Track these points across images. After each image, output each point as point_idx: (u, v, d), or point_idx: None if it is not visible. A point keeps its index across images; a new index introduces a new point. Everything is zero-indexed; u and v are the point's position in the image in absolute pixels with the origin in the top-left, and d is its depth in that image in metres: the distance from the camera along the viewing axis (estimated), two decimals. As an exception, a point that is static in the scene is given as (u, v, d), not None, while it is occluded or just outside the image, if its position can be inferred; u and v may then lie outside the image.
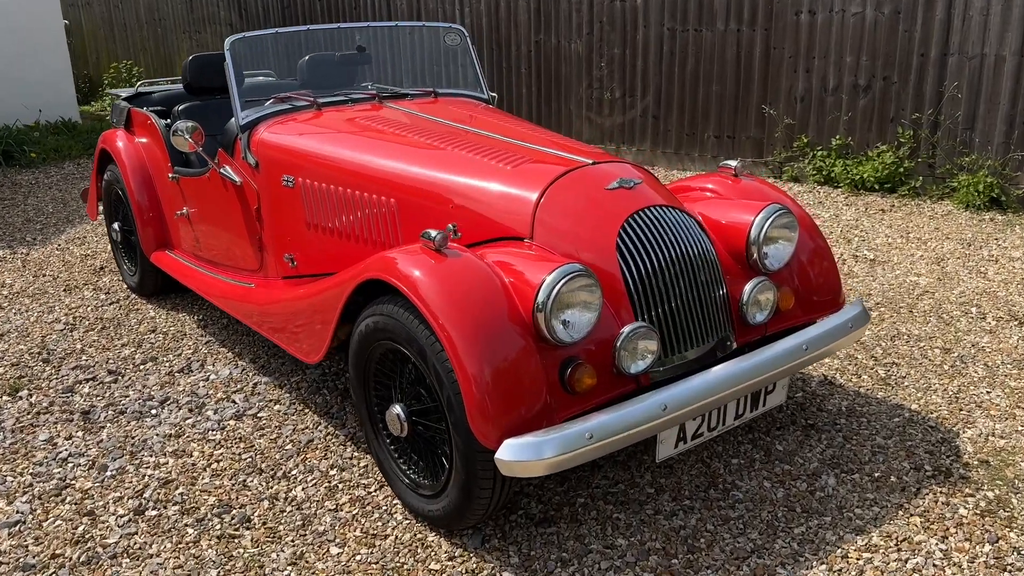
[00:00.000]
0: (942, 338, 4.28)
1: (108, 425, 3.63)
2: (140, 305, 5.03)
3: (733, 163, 3.57)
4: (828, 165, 7.30)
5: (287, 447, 3.41)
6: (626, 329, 2.69)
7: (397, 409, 2.85)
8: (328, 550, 2.79)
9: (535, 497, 3.04)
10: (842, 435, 3.42)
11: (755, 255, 3.11)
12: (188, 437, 3.51)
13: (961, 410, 3.58)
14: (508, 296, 2.62)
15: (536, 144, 3.36)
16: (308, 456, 3.35)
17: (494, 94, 4.63)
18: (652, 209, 2.96)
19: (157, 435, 3.52)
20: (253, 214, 3.90)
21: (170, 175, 4.45)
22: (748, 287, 3.03)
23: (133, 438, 3.51)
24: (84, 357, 4.31)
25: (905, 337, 4.29)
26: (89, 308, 4.98)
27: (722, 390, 2.76)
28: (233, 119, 3.94)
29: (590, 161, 3.12)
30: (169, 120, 4.65)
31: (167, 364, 4.21)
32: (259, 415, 3.67)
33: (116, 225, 5.16)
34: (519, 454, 2.43)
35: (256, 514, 2.98)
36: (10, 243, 6.40)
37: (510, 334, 2.55)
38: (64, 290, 5.29)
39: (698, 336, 2.92)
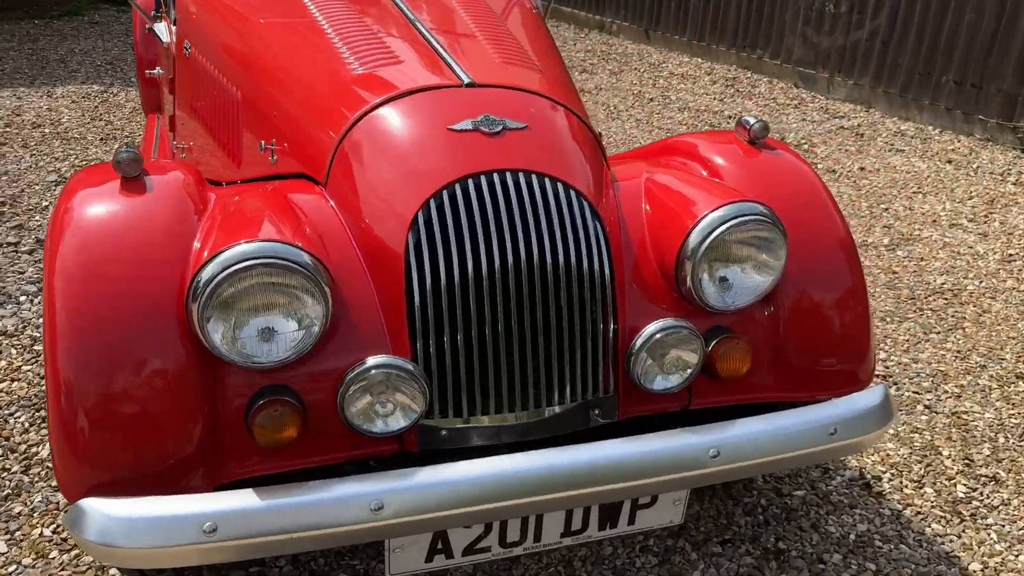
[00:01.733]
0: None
1: (-32, 303, 3.15)
2: (148, 169, 4.55)
3: (752, 120, 2.22)
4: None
5: None
6: (368, 362, 1.63)
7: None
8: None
9: None
10: (808, 588, 2.14)
11: (688, 279, 1.86)
12: (18, 340, 2.93)
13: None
14: (180, 274, 1.66)
15: (439, 38, 2.24)
16: None
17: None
18: (510, 175, 1.80)
19: (-4, 328, 2.98)
20: (168, 84, 3.14)
21: (147, 26, 3.79)
22: (651, 328, 1.81)
23: (-30, 326, 3.01)
24: (37, 217, 3.88)
25: (1044, 439, 2.73)
26: (95, 163, 4.57)
27: (503, 495, 1.65)
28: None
29: (465, 81, 1.99)
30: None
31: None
32: None
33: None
34: (85, 526, 1.53)
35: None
36: (104, 76, 6.19)
37: (153, 331, 1.61)
38: (101, 139, 4.94)
39: (537, 392, 1.79)
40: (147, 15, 3.26)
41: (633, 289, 1.91)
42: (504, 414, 1.77)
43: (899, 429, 2.75)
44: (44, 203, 4.01)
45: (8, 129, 4.94)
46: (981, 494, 2.48)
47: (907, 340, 3.29)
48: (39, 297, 3.19)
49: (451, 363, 1.72)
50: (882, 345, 3.24)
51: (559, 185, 1.83)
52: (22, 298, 3.18)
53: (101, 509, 1.53)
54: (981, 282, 3.81)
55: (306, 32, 2.35)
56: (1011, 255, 4.07)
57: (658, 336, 1.80)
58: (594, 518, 1.84)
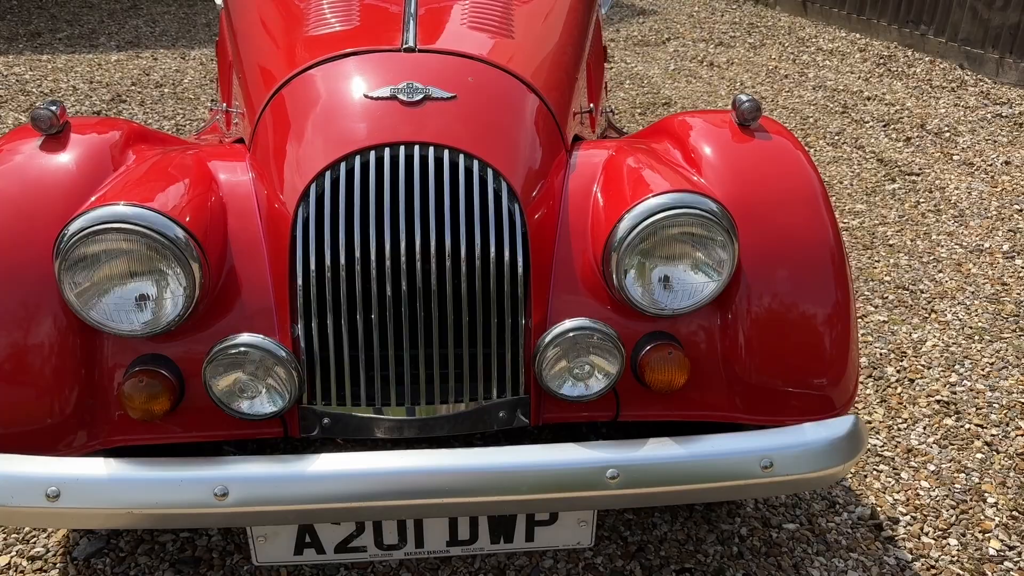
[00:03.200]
0: None
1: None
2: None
3: (744, 98, 1.93)
4: None
5: None
6: (238, 339, 1.55)
7: None
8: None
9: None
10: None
11: (613, 275, 1.64)
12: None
13: None
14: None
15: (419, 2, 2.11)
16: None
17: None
18: (419, 149, 1.65)
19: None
20: (228, 47, 3.18)
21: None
22: (562, 327, 1.62)
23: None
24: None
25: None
26: (199, 123, 4.75)
27: (367, 496, 1.53)
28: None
29: (406, 45, 1.85)
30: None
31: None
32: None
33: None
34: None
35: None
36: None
37: (35, 288, 1.60)
38: (212, 100, 5.14)
39: (439, 388, 1.64)
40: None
41: (562, 284, 1.72)
42: (395, 407, 1.64)
43: (942, 466, 2.36)
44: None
45: (133, 87, 5.24)
46: (1019, 555, 2.08)
47: (991, 363, 2.84)
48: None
49: (334, 349, 1.61)
50: (957, 367, 2.81)
51: (475, 163, 1.66)
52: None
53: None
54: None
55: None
56: None
57: (571, 335, 1.60)
58: (484, 530, 1.68)
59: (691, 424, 1.87)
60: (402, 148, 1.64)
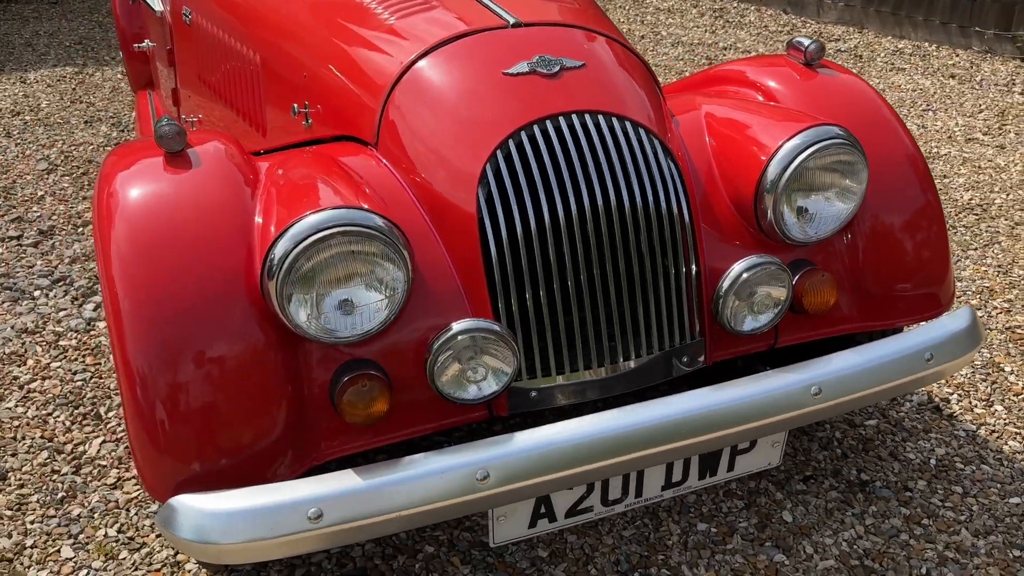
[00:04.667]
0: None
1: (-19, 302, 3.01)
2: (141, 149, 4.36)
3: (807, 41, 2.11)
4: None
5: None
6: (454, 327, 1.54)
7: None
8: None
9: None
10: (913, 508, 2.09)
11: (769, 213, 1.77)
12: (40, 336, 2.80)
13: None
14: (245, 250, 1.55)
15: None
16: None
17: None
18: (576, 117, 1.69)
19: (14, 327, 2.85)
20: (167, 56, 2.97)
21: (130, -3, 3.61)
22: (736, 268, 1.73)
23: (-12, 326, 2.87)
24: (35, 208, 3.72)
25: (1103, 346, 2.69)
26: (91, 148, 4.38)
27: (607, 454, 1.57)
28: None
29: (511, 20, 1.86)
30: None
31: (106, 230, 3.51)
32: (138, 320, 2.88)
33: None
34: (179, 524, 1.44)
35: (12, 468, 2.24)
36: (75, 57, 5.94)
37: (224, 313, 1.51)
38: (86, 121, 4.74)
39: (622, 345, 1.70)
40: (135, -16, 3.06)
41: (707, 228, 1.82)
42: (589, 369, 1.69)
43: (957, 349, 2.69)
44: (40, 192, 3.84)
45: (-13, 120, 4.73)
46: (1051, 407, 2.44)
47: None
48: (53, 291, 3.06)
49: (535, 320, 1.63)
50: (923, 266, 3.18)
51: (627, 124, 1.73)
52: (36, 292, 3.05)
53: (195, 506, 1.44)
54: (1008, 195, 3.75)
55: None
56: (1033, 165, 4.02)
57: (745, 276, 1.72)
58: (694, 468, 1.78)
59: (806, 346, 2.04)
60: (561, 119, 1.68)
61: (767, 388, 1.69)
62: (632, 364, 1.73)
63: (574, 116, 1.69)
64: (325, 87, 1.99)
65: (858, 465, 2.24)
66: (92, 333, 2.82)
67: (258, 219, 1.57)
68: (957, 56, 5.73)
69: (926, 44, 6.04)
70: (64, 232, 3.50)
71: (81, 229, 3.52)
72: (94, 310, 2.94)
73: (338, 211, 1.46)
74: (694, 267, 1.75)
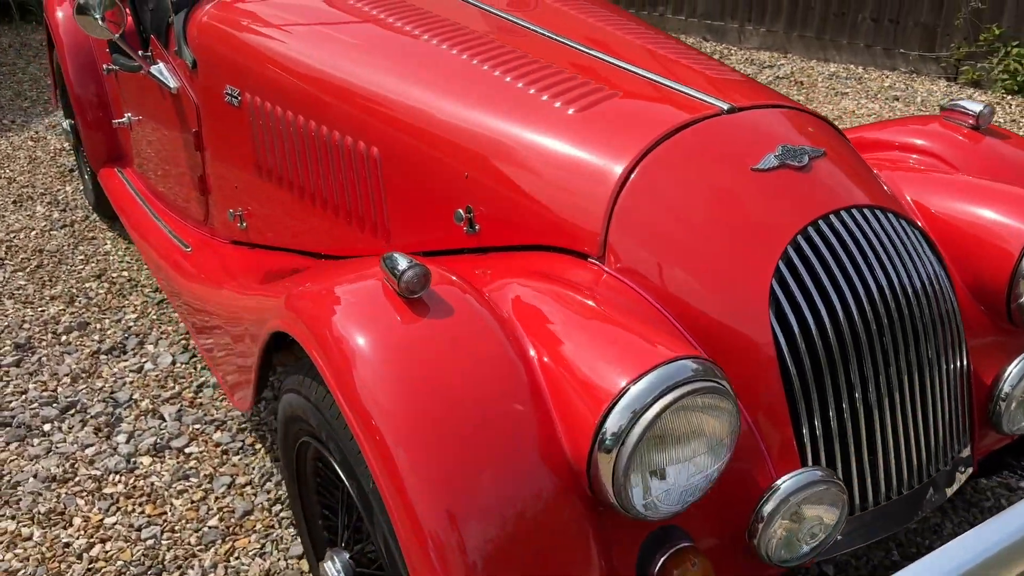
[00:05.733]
0: None
1: (-22, 446, 2.50)
2: (96, 232, 3.84)
3: (976, 107, 2.03)
4: (1027, 67, 5.49)
5: (212, 521, 2.22)
6: (783, 485, 1.32)
7: (336, 564, 1.59)
8: None
9: None
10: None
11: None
12: (77, 484, 2.34)
13: None
14: (537, 408, 1.28)
15: (626, 61, 1.90)
16: (238, 544, 2.15)
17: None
18: (847, 215, 1.52)
19: (37, 475, 2.37)
20: (193, 140, 2.58)
21: (105, 66, 3.14)
22: (1015, 368, 1.59)
23: (0, 477, 2.38)
24: (-5, 316, 3.18)
25: None
26: (33, 233, 3.82)
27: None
28: (167, -11, 2.58)
29: (724, 106, 1.66)
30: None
31: (96, 336, 3.03)
32: (188, 449, 2.47)
33: (68, 123, 3.91)
34: None
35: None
36: (-15, 125, 5.26)
37: (527, 483, 1.24)
38: (14, 201, 4.14)
39: (916, 464, 1.53)
40: (135, 55, 2.64)
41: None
42: (891, 498, 1.51)
43: None
44: (-7, 296, 3.30)
45: None
46: None
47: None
48: (67, 422, 2.59)
49: (854, 452, 1.44)
50: None
51: (889, 217, 1.57)
52: (46, 427, 2.57)
53: None
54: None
55: (459, 68, 1.94)
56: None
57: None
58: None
59: None
60: (833, 217, 1.50)
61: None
62: (931, 477, 1.56)
63: (843, 213, 1.52)
64: (498, 189, 1.72)
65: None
66: (139, 473, 2.38)
67: (538, 366, 1.30)
68: (887, 78, 5.96)
69: (851, 66, 6.26)
70: (46, 343, 2.99)
71: (64, 337, 3.02)
72: (128, 441, 2.50)
73: (677, 365, 1.22)
74: (967, 364, 1.61)
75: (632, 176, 1.56)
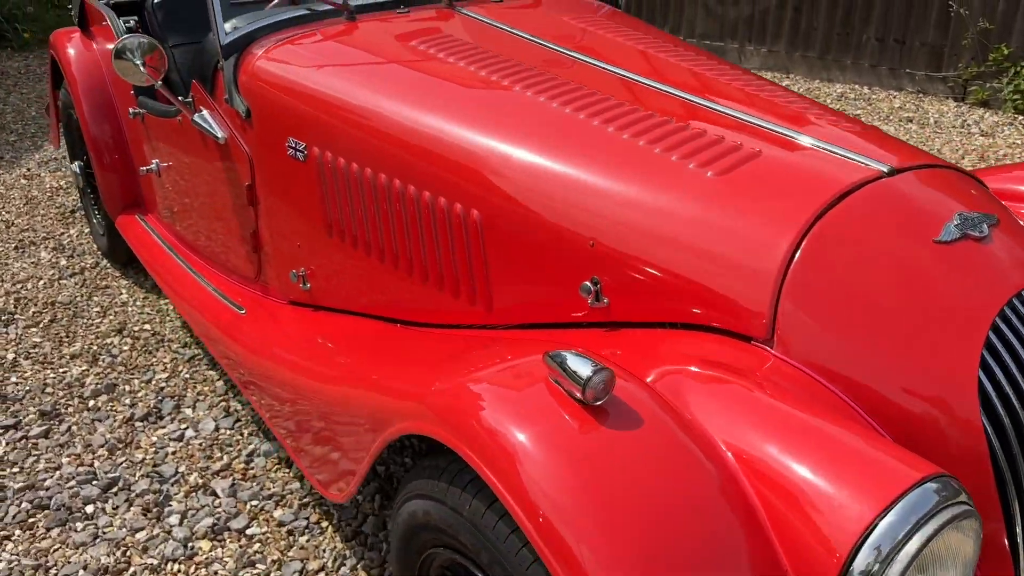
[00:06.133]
0: None
1: (15, 534, 2.28)
2: (110, 279, 3.62)
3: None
4: (1038, 87, 5.48)
5: (288, 616, 2.03)
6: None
7: None
8: None
9: None
10: None
11: None
12: (132, 577, 2.14)
13: None
14: (754, 536, 1.13)
15: (752, 114, 1.76)
16: (322, 642, 1.96)
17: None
18: (1034, 289, 1.39)
19: (87, 566, 2.16)
20: (245, 193, 2.39)
21: (131, 110, 2.94)
22: None
23: (47, 570, 2.16)
24: (13, 378, 2.94)
25: None
26: (41, 283, 3.59)
27: None
28: (212, 32, 2.39)
29: (884, 168, 1.53)
30: (130, 20, 3.09)
31: (127, 400, 2.82)
32: (249, 530, 2.27)
33: (77, 165, 3.69)
34: None
35: None
36: (-29, 162, 4.99)
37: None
38: (15, 247, 3.90)
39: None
40: (176, 101, 2.45)
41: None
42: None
43: None
44: (8, 356, 3.06)
45: None
46: None
47: None
48: (110, 501, 2.37)
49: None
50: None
51: (1074, 289, 1.44)
52: (88, 508, 2.35)
53: None
54: None
55: (566, 122, 1.79)
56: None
57: None
58: None
59: None
60: (1024, 293, 1.38)
61: None
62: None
63: (1032, 289, 1.39)
64: (631, 260, 1.57)
65: None
66: (199, 560, 2.18)
67: (744, 480, 1.15)
68: (895, 99, 5.92)
69: (855, 85, 6.22)
70: (73, 409, 2.77)
71: (92, 402, 2.80)
72: (182, 523, 2.29)
73: (924, 490, 1.08)
74: None
75: (801, 248, 1.42)
